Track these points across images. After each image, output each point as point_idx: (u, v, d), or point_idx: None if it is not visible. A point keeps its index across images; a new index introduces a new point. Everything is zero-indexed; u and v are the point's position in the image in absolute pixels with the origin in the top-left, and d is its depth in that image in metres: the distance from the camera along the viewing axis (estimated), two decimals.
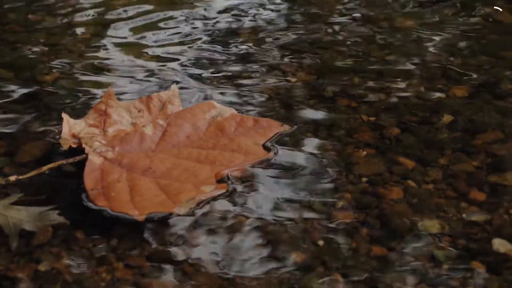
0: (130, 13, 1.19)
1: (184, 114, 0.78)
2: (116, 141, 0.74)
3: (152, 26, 1.13)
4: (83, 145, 0.72)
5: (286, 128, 0.78)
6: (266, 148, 0.75)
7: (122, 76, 0.94)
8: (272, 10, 1.20)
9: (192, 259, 0.59)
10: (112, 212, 0.64)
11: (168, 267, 0.59)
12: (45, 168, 0.71)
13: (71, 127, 0.77)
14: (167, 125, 0.76)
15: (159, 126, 0.76)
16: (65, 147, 0.74)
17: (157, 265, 0.59)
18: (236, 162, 0.72)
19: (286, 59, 0.99)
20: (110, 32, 1.11)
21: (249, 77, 0.92)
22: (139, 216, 0.63)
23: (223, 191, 0.67)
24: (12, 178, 0.70)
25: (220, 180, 0.69)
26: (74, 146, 0.73)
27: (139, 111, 0.79)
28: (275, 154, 0.74)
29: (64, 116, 0.77)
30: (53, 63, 0.99)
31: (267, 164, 0.72)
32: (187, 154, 0.73)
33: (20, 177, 0.70)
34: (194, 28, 1.13)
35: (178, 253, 0.60)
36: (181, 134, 0.75)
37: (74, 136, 0.75)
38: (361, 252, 0.60)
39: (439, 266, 0.58)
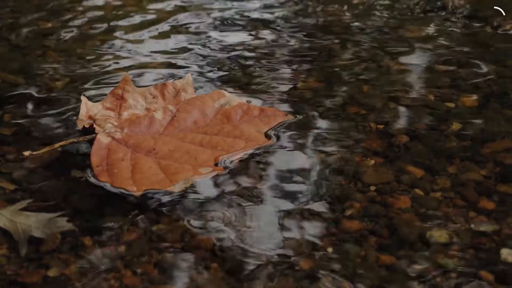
0: (139, 19, 1.20)
1: (194, 101, 0.81)
2: (126, 124, 0.78)
3: (163, 32, 1.14)
4: (94, 126, 0.76)
5: (290, 117, 0.81)
6: (267, 136, 0.77)
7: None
8: (281, 18, 1.20)
9: (200, 266, 0.59)
10: (113, 187, 0.68)
11: (176, 274, 0.59)
12: (57, 145, 0.75)
13: (88, 109, 0.81)
14: (177, 110, 0.79)
15: (169, 111, 0.79)
16: (80, 127, 0.79)
17: (165, 272, 0.59)
18: (237, 148, 0.75)
19: (295, 66, 0.99)
20: (121, 36, 1.12)
21: (257, 84, 0.93)
22: (136, 192, 0.67)
23: (220, 172, 0.71)
24: (26, 153, 0.74)
25: (218, 164, 0.72)
26: (87, 126, 0.77)
27: (153, 97, 0.82)
28: (276, 140, 0.77)
29: (83, 98, 0.81)
30: (63, 69, 0.99)
31: (276, 175, 0.72)
32: (191, 138, 0.76)
33: (34, 152, 0.74)
34: (202, 31, 1.13)
35: (186, 259, 0.60)
36: (189, 119, 0.79)
37: (90, 117, 0.80)
38: (369, 261, 0.60)
39: (447, 275, 0.58)
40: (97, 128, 0.76)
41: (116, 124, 0.78)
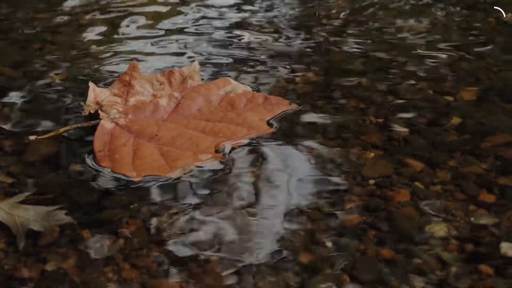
0: (137, 14, 1.20)
1: (199, 89, 0.82)
2: (131, 110, 0.79)
3: (155, 27, 1.14)
4: (99, 111, 0.77)
5: (294, 106, 0.82)
6: (270, 125, 0.78)
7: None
8: (281, 11, 1.20)
9: (199, 259, 0.59)
10: (113, 173, 0.69)
11: (175, 267, 0.58)
12: (62, 130, 0.77)
13: (96, 95, 0.81)
14: (182, 97, 0.80)
15: (174, 98, 0.80)
16: (86, 112, 0.80)
17: (164, 265, 0.59)
18: (238, 135, 0.75)
19: (294, 60, 0.98)
20: (119, 30, 1.12)
21: (257, 78, 0.92)
22: (136, 177, 0.68)
23: (219, 160, 0.71)
24: (32, 137, 0.75)
25: (219, 151, 0.73)
26: (92, 112, 0.78)
27: (160, 84, 0.83)
28: (277, 129, 0.77)
29: (91, 84, 0.82)
30: (60, 62, 0.99)
31: (276, 166, 0.72)
32: (195, 125, 0.76)
33: (39, 137, 0.75)
34: (201, 26, 1.13)
35: (185, 253, 0.60)
36: (194, 106, 0.80)
37: (98, 103, 0.80)
38: (369, 254, 0.59)
39: (447, 269, 0.57)
40: (101, 114, 0.77)
41: (121, 110, 0.78)
